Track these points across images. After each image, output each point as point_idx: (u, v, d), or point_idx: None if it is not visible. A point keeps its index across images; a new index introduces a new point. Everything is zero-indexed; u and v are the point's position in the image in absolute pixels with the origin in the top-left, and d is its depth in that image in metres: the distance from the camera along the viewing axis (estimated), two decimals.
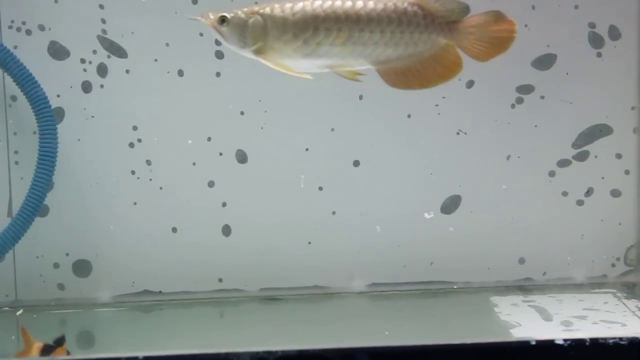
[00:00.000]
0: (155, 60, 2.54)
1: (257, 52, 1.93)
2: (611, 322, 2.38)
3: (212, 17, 1.95)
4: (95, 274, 2.59)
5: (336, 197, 2.61)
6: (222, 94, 2.56)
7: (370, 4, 1.93)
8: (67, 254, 2.58)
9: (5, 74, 2.45)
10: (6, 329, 2.50)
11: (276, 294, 2.63)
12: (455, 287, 2.66)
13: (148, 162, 2.57)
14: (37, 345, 2.13)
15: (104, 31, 2.52)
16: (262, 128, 2.58)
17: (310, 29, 1.90)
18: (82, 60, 2.52)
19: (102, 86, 2.54)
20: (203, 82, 2.55)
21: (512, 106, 2.61)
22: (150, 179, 2.58)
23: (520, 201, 2.64)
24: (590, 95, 2.62)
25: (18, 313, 2.54)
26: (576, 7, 2.58)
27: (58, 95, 2.52)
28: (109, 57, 2.52)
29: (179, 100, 2.56)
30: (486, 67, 2.55)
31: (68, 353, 2.10)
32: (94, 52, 2.52)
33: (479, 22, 1.99)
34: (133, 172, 2.57)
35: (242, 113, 2.57)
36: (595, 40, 2.60)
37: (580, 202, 2.65)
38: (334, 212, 2.62)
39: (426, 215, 2.61)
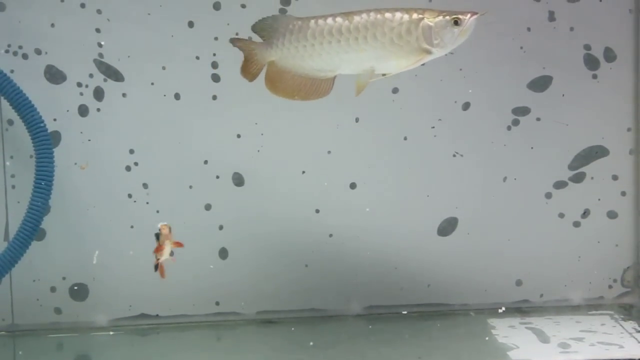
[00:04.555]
0: (152, 83, 2.54)
1: None
2: (609, 343, 2.37)
3: None
4: (92, 298, 2.59)
5: (333, 219, 2.61)
6: (218, 117, 2.56)
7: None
8: (63, 278, 2.58)
9: (2, 97, 2.45)
10: (3, 352, 2.50)
11: (273, 317, 2.63)
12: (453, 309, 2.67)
13: (145, 186, 2.57)
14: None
15: (101, 55, 2.52)
16: (258, 151, 2.58)
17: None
18: (79, 84, 2.53)
19: (98, 110, 2.54)
20: (199, 106, 2.56)
21: (508, 128, 2.61)
22: (147, 203, 2.57)
23: (517, 223, 2.64)
24: (586, 116, 2.62)
25: None
26: (571, 29, 2.59)
27: (55, 119, 2.52)
28: (105, 80, 2.53)
29: (175, 124, 2.56)
30: (482, 89, 2.58)
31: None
32: (91, 75, 2.52)
33: None
34: (130, 196, 2.57)
35: (238, 136, 2.58)
36: (591, 62, 2.61)
37: (576, 224, 2.65)
38: (330, 235, 2.61)
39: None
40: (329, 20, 2.06)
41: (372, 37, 2.04)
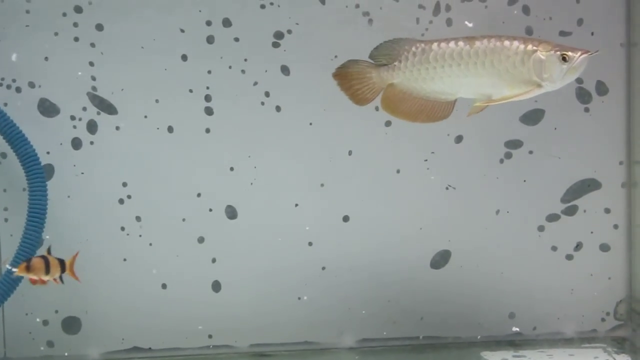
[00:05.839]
0: (145, 116, 2.55)
1: None
2: None
3: None
4: (84, 331, 2.58)
5: (326, 252, 2.61)
6: (211, 150, 2.56)
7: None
8: (56, 311, 2.57)
9: None
10: None
11: (266, 350, 2.63)
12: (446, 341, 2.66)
13: (138, 219, 2.57)
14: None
15: (94, 88, 2.53)
16: (251, 184, 2.58)
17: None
18: (72, 117, 2.53)
19: (92, 143, 2.54)
20: (193, 139, 2.56)
21: (501, 161, 2.62)
22: (140, 235, 2.57)
23: (510, 256, 2.64)
24: (579, 150, 2.63)
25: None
26: None
27: (48, 152, 2.52)
28: (98, 113, 2.53)
29: (168, 157, 2.56)
30: (475, 122, 2.58)
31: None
32: (84, 109, 2.53)
33: None
34: (123, 229, 2.57)
35: (231, 169, 2.58)
36: (583, 96, 2.62)
37: (569, 257, 2.65)
38: (323, 268, 2.61)
39: None
40: (452, 44, 2.08)
41: (490, 64, 2.05)
